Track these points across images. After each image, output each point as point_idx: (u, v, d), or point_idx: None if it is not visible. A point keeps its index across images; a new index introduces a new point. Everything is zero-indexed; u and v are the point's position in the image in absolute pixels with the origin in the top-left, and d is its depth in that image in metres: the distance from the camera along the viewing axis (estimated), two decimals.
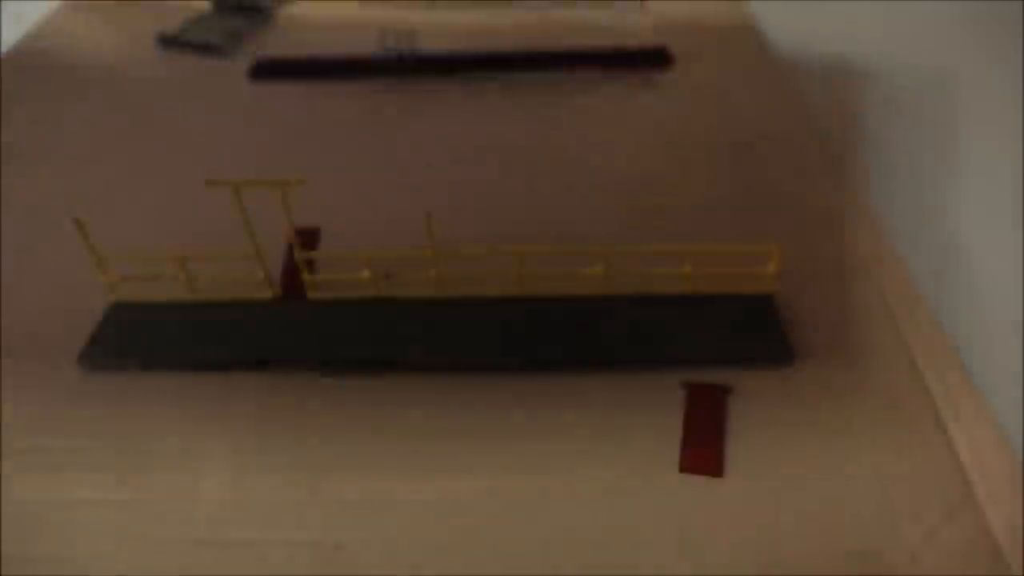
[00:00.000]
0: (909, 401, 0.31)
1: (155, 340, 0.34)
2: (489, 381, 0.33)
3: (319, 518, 0.28)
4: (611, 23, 0.62)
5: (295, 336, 0.34)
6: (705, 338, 0.33)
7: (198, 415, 0.32)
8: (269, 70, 0.56)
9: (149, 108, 0.53)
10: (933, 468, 0.29)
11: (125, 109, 0.53)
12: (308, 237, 0.39)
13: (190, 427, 0.31)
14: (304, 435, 0.31)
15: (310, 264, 0.35)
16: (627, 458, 0.30)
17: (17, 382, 0.33)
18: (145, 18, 0.64)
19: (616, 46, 0.57)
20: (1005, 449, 0.29)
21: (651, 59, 0.56)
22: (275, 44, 0.61)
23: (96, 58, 0.60)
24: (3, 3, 0.69)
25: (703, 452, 0.29)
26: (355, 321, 0.34)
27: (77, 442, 0.31)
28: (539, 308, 0.35)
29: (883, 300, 0.36)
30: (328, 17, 0.65)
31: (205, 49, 0.60)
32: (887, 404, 0.31)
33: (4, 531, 0.28)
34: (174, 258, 0.34)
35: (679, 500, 0.28)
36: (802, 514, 0.28)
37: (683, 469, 0.29)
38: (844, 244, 0.39)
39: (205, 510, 0.28)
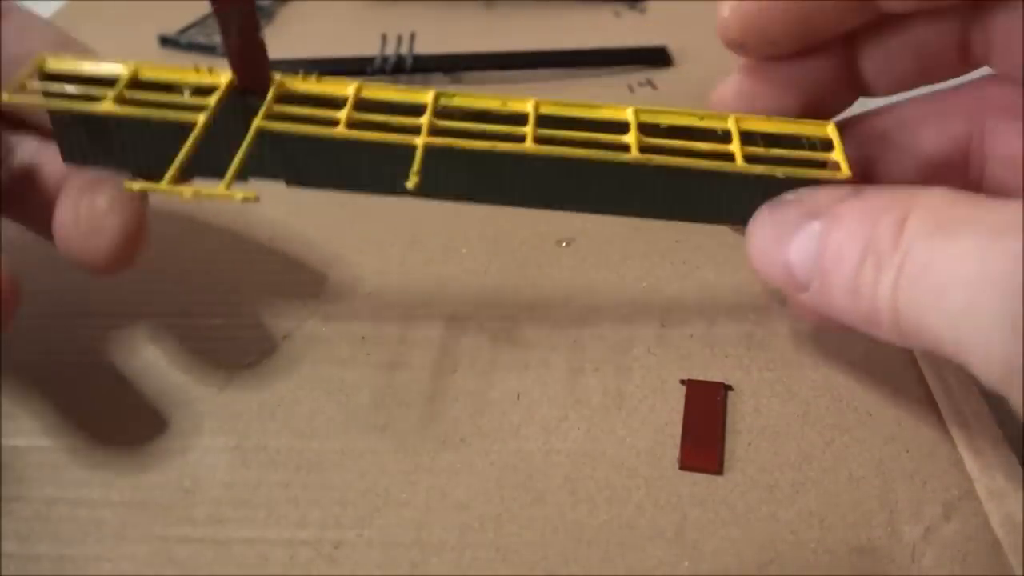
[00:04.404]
0: (909, 399, 0.31)
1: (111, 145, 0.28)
2: (483, 371, 0.33)
3: (319, 518, 0.28)
4: (611, 23, 0.62)
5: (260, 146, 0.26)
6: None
7: (198, 413, 0.32)
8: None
9: None
10: (933, 466, 0.29)
11: None
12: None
13: (190, 425, 0.31)
14: (305, 433, 0.31)
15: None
16: (626, 456, 0.30)
17: (17, 381, 0.33)
18: (146, 18, 0.65)
19: (616, 46, 0.57)
20: (1005, 447, 0.29)
21: (651, 59, 0.56)
22: (275, 44, 0.61)
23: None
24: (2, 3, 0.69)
25: (703, 449, 0.30)
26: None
27: (77, 442, 0.31)
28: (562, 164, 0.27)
29: None
30: (328, 17, 0.65)
31: (206, 49, 0.60)
32: (887, 403, 0.31)
33: (4, 531, 0.28)
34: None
35: (678, 497, 0.28)
36: (802, 512, 0.28)
37: (683, 466, 0.29)
38: None
39: (205, 509, 0.29)
